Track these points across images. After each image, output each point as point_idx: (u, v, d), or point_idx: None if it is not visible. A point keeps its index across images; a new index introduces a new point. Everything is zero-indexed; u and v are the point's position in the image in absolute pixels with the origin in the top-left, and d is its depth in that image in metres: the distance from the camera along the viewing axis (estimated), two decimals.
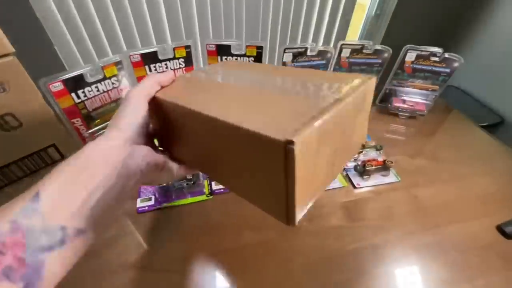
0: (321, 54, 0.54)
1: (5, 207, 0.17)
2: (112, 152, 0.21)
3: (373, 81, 0.23)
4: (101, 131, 0.48)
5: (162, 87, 0.27)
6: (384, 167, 0.47)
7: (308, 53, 0.53)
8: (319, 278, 0.35)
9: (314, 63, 0.56)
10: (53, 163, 0.43)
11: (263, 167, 0.18)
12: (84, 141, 0.46)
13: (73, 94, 0.41)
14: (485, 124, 0.99)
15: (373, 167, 0.46)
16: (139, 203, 0.42)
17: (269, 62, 0.56)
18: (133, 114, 0.24)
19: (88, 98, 0.43)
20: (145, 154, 0.23)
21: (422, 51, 0.53)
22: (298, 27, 0.92)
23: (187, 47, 0.50)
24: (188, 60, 0.51)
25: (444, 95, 0.61)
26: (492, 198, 0.45)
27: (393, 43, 0.57)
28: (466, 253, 0.38)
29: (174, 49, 0.49)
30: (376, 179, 0.47)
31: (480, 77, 1.02)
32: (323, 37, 0.97)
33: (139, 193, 0.43)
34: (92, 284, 0.34)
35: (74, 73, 0.39)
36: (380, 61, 0.56)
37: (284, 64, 0.54)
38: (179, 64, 0.51)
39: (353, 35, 1.10)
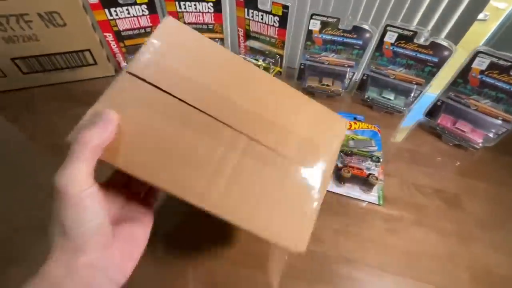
0: (357, 31, 0.45)
1: None
2: (76, 282, 0.17)
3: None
4: (131, 52, 0.55)
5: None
6: (365, 180, 0.39)
7: (340, 26, 0.45)
8: None
9: (348, 40, 0.47)
10: (88, 65, 0.53)
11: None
12: (114, 55, 0.55)
13: (106, 10, 0.48)
14: None
15: (349, 174, 0.39)
16: None
17: (295, 28, 0.50)
18: (87, 215, 0.17)
19: (120, 18, 0.49)
20: (123, 260, 0.19)
21: (498, 58, 0.37)
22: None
23: None
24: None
25: None
26: (494, 282, 0.33)
27: None
28: None
29: None
30: (353, 191, 0.40)
31: None
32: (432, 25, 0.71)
33: None
34: None
35: None
36: (436, 60, 0.43)
37: (310, 32, 0.48)
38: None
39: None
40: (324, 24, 0.46)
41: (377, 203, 0.39)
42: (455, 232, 0.37)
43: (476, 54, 0.39)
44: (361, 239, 0.35)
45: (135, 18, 0.50)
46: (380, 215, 0.38)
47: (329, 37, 0.47)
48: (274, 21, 0.49)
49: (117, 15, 0.49)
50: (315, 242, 0.35)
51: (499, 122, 0.43)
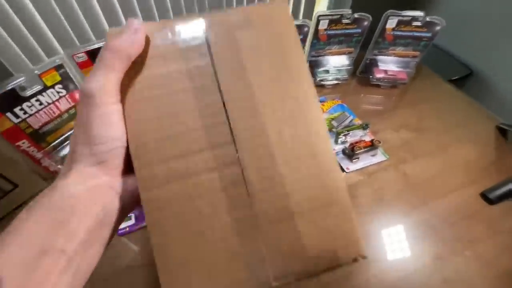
0: (297, 28, 0.49)
1: None
2: (93, 197, 0.16)
3: None
4: (60, 148, 0.41)
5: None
6: (372, 147, 0.46)
7: None
8: None
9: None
10: (6, 194, 0.37)
11: None
12: (38, 162, 0.40)
13: (8, 114, 0.33)
14: (455, 78, 1.00)
15: (362, 150, 0.45)
16: None
17: None
18: (117, 131, 0.16)
19: (30, 115, 0.36)
20: (133, 190, 0.18)
21: (403, 16, 0.49)
22: None
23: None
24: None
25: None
26: (474, 165, 0.46)
27: (361, 10, 0.52)
28: (454, 226, 0.40)
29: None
30: (365, 160, 0.46)
31: (451, 30, 1.01)
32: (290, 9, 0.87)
33: None
34: None
35: (2, 89, 0.32)
36: (360, 30, 0.52)
37: None
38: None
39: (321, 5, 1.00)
40: None
41: (385, 159, 0.47)
42: (436, 148, 0.49)
43: (388, 17, 0.49)
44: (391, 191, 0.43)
45: (51, 106, 0.37)
46: (392, 166, 0.46)
47: None
48: None
49: (25, 113, 0.35)
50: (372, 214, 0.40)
51: (411, 59, 0.57)
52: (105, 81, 0.16)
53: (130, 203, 0.18)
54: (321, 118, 0.19)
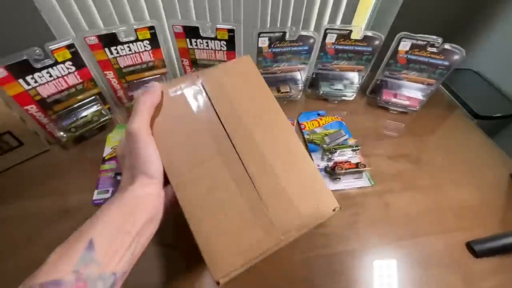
0: (303, 39, 0.49)
1: (62, 253, 0.19)
2: (149, 200, 0.23)
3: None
4: (65, 117, 0.46)
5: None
6: (356, 170, 0.44)
7: (287, 37, 0.48)
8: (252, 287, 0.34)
9: (295, 48, 0.50)
10: (12, 149, 0.42)
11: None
12: (44, 127, 0.45)
13: (20, 81, 0.38)
14: (498, 115, 0.90)
15: (343, 171, 0.43)
16: (96, 195, 0.41)
17: (245, 47, 0.51)
18: (156, 156, 0.25)
19: (40, 84, 0.40)
20: (172, 195, 0.25)
21: (418, 39, 0.46)
22: (290, 10, 0.81)
23: (151, 28, 0.45)
24: (154, 42, 0.47)
25: (453, 80, 0.54)
26: (470, 212, 0.42)
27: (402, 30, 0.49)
28: (429, 271, 0.36)
29: (136, 30, 0.44)
30: (347, 182, 0.44)
31: (499, 62, 0.90)
32: (327, 21, 0.85)
33: (97, 184, 0.42)
34: None
35: (18, 58, 0.36)
36: (370, 49, 0.50)
37: (260, 50, 0.49)
38: (144, 46, 0.47)
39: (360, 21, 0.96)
40: (271, 39, 0.47)
41: (370, 185, 0.45)
42: (430, 185, 0.45)
43: (400, 39, 0.47)
44: (370, 221, 0.41)
45: (60, 79, 0.42)
46: (376, 194, 0.44)
47: (278, 49, 0.49)
48: (221, 46, 0.48)
49: (35, 82, 0.40)
50: (341, 241, 0.38)
51: (425, 86, 0.53)
52: (141, 123, 0.24)
53: (169, 206, 0.25)
54: (288, 125, 0.29)
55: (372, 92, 0.58)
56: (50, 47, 0.39)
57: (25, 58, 0.37)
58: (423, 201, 0.43)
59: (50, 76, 0.41)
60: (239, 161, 0.26)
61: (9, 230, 0.38)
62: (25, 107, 0.41)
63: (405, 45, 0.47)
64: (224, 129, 0.27)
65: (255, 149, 0.27)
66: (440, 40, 0.45)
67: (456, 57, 0.46)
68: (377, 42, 0.49)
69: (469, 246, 0.38)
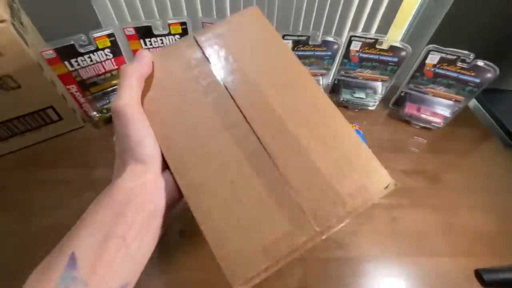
0: (327, 44, 0.49)
1: (41, 273, 0.16)
2: (144, 191, 0.19)
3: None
4: (100, 99, 0.51)
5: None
6: None
7: (310, 42, 0.48)
8: None
9: (318, 53, 0.50)
10: (52, 122, 0.48)
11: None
12: (81, 106, 0.50)
13: (66, 63, 0.43)
14: None
15: None
16: None
17: None
18: (150, 137, 0.20)
19: (82, 67, 0.45)
20: (173, 185, 0.21)
21: (447, 53, 0.44)
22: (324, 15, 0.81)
23: (183, 23, 0.48)
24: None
25: (494, 100, 0.51)
26: (483, 238, 0.40)
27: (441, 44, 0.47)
28: None
29: (169, 25, 0.48)
30: None
31: None
32: (361, 28, 0.84)
33: None
34: None
35: (65, 43, 0.41)
36: (396, 59, 0.49)
37: None
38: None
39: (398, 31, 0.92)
40: (296, 43, 0.48)
41: None
42: (445, 205, 0.43)
43: (428, 51, 0.45)
44: (373, 232, 0.40)
45: (99, 64, 0.47)
46: (383, 206, 0.43)
47: (301, 53, 0.50)
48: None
49: (78, 65, 0.44)
50: (340, 247, 0.38)
51: (452, 102, 0.51)
52: (129, 99, 0.20)
53: (174, 197, 0.21)
54: (313, 82, 0.23)
55: (395, 103, 0.57)
56: (93, 34, 0.43)
57: (72, 42, 0.42)
58: (434, 221, 0.42)
59: (91, 60, 0.45)
60: (252, 134, 0.21)
61: (41, 194, 0.43)
62: (67, 86, 0.46)
63: (433, 58, 0.46)
64: (231, 97, 0.22)
65: (272, 117, 0.21)
66: (472, 55, 0.43)
67: (488, 75, 0.44)
68: (403, 53, 0.48)
69: (478, 273, 0.36)
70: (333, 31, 0.74)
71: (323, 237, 0.19)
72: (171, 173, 0.21)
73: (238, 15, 0.25)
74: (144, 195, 0.19)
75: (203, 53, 0.24)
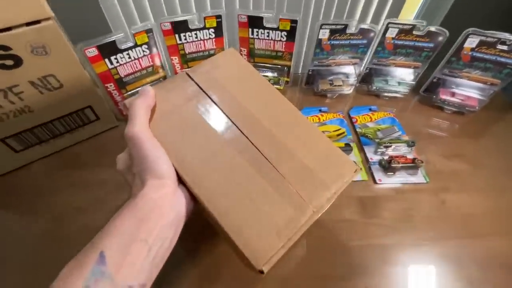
0: (363, 32, 0.49)
1: (73, 267, 0.18)
2: (164, 201, 0.22)
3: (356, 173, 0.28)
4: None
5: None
6: (412, 166, 0.44)
7: (348, 30, 0.48)
8: (311, 269, 0.35)
9: (354, 41, 0.50)
10: (90, 122, 0.47)
11: (237, 252, 0.23)
12: (117, 104, 0.50)
13: (106, 60, 0.42)
14: None
15: (400, 165, 0.43)
16: None
17: (301, 38, 0.52)
18: (164, 156, 0.24)
19: (120, 64, 0.45)
20: (187, 195, 0.24)
21: (487, 36, 0.45)
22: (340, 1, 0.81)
23: (218, 17, 0.48)
24: (218, 31, 0.50)
25: None
26: None
27: (455, 26, 0.48)
28: (486, 271, 0.35)
29: (204, 18, 0.47)
30: (401, 177, 0.44)
31: None
32: (372, 14, 0.84)
33: None
34: None
35: (107, 39, 0.41)
36: (432, 45, 0.49)
37: (319, 41, 0.50)
38: (209, 34, 0.50)
39: (408, 14, 0.93)
40: (332, 32, 0.48)
41: (424, 181, 0.44)
42: (492, 187, 0.44)
43: (467, 35, 0.46)
44: (422, 215, 0.40)
45: (136, 61, 0.46)
46: (430, 190, 0.43)
47: (337, 42, 0.50)
48: (282, 36, 0.49)
49: (117, 62, 0.44)
50: (395, 233, 0.38)
51: (488, 86, 0.51)
52: (140, 126, 0.24)
53: (189, 207, 0.24)
54: (288, 103, 0.30)
55: (426, 90, 0.57)
56: (132, 30, 0.43)
57: (113, 39, 0.41)
58: (483, 203, 0.42)
59: (129, 57, 0.45)
60: (251, 146, 0.26)
61: (77, 194, 0.42)
62: (106, 85, 0.45)
63: (472, 42, 0.46)
64: (228, 117, 0.27)
65: (263, 129, 0.27)
66: None
67: None
68: (440, 38, 0.48)
69: None
70: (344, 16, 0.73)
71: (318, 216, 0.24)
72: (185, 186, 0.24)
73: (220, 55, 0.32)
74: (165, 205, 0.22)
75: (197, 84, 0.29)
